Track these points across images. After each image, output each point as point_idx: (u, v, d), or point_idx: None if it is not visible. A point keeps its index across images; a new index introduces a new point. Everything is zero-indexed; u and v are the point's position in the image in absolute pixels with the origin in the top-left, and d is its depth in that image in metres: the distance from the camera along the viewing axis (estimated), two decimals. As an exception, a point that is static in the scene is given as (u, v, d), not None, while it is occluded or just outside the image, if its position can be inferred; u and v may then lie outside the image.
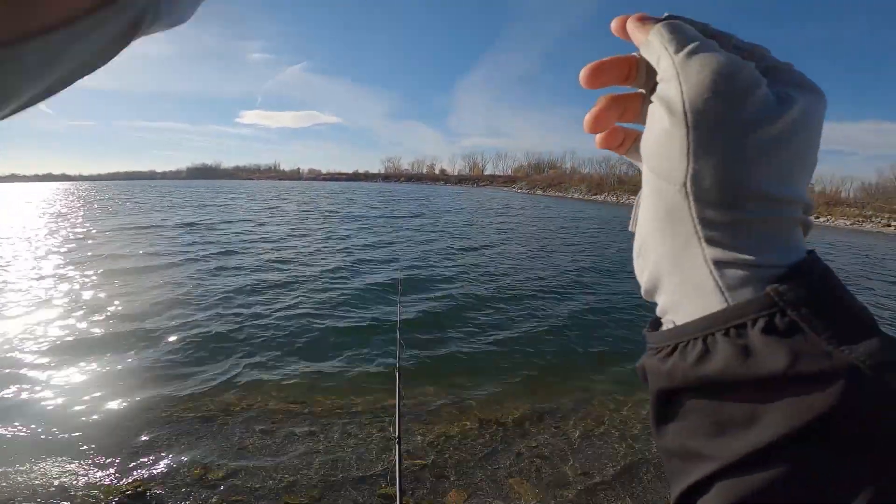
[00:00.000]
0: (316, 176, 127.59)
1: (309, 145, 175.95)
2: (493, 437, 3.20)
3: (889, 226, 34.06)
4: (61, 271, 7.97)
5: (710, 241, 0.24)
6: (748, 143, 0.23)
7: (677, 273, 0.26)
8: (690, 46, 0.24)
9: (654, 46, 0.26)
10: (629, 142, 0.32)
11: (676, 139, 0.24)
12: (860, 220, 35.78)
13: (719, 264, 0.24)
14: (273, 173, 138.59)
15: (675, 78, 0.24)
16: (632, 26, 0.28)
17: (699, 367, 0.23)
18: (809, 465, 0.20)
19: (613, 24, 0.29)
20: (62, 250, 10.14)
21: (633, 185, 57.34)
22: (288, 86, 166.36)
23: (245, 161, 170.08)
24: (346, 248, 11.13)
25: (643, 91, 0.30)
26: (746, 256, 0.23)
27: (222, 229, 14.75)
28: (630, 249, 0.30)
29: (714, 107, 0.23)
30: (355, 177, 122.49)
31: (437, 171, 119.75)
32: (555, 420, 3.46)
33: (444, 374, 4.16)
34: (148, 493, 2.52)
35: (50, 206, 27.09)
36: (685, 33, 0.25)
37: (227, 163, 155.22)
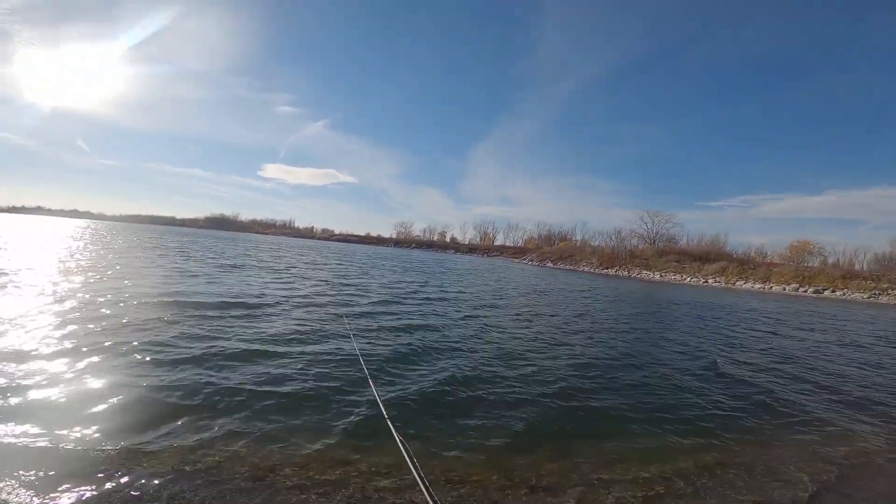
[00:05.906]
0: (329, 236, 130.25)
1: (324, 203, 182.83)
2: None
3: (908, 298, 33.58)
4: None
5: None
6: None
7: None
8: None
9: None
10: None
11: None
12: (876, 292, 35.47)
13: None
14: (287, 230, 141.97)
15: None
16: None
17: None
18: None
19: None
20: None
21: (643, 258, 57.92)
22: (310, 141, 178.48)
23: (262, 215, 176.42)
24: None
25: None
26: None
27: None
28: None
29: None
30: (367, 239, 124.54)
31: (447, 239, 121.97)
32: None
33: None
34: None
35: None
36: None
37: (245, 215, 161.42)
